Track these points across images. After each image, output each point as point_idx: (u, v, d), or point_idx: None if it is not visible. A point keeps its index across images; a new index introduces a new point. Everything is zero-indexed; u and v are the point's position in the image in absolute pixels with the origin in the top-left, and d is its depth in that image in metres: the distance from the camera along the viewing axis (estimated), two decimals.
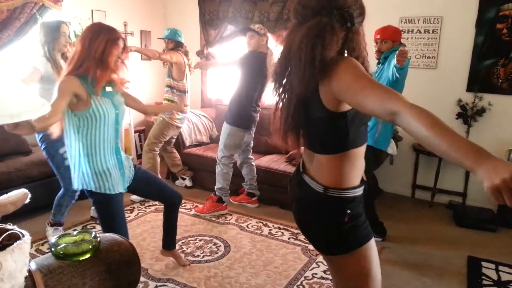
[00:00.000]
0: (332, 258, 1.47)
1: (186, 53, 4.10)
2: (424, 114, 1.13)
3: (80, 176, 2.11)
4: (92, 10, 4.57)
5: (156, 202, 3.84)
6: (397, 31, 3.17)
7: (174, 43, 4.05)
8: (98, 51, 2.02)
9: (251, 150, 3.90)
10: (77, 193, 3.13)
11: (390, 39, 3.10)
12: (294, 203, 1.55)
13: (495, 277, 2.82)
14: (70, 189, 2.94)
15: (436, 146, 1.05)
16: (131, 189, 2.34)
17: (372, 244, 1.43)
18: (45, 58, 2.95)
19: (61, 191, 3.09)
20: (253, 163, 3.91)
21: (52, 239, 1.53)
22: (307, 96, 1.32)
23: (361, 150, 1.39)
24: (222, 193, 3.72)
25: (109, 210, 2.17)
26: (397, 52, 2.68)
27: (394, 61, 2.74)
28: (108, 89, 2.13)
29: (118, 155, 2.20)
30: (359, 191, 1.39)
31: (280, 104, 1.44)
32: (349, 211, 1.36)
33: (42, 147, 2.96)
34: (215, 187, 3.75)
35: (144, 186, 2.41)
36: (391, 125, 3.00)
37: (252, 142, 3.85)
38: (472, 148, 0.99)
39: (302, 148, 1.49)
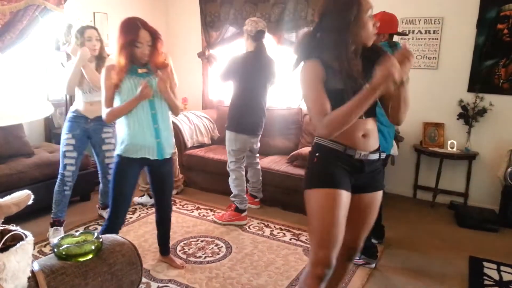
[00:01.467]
0: (304, 193, 1.80)
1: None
2: (330, 128, 1.63)
3: (121, 142, 2.41)
4: (94, 13, 4.60)
5: None
6: (381, 21, 2.36)
7: None
8: (118, 49, 2.29)
9: (257, 155, 3.83)
10: (66, 179, 3.14)
11: (381, 31, 2.72)
12: None
13: (497, 277, 2.82)
14: (60, 172, 3.17)
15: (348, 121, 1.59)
16: (153, 170, 2.54)
17: (325, 194, 1.69)
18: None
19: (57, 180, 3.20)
20: (258, 167, 3.88)
21: (55, 240, 1.55)
22: None
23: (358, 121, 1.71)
24: (237, 200, 3.60)
25: (122, 171, 2.40)
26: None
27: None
28: (141, 70, 2.37)
29: (155, 124, 2.39)
30: (332, 145, 1.72)
31: None
32: (317, 154, 1.76)
33: (63, 126, 3.26)
34: (231, 196, 3.66)
35: (162, 178, 2.57)
36: (393, 128, 2.94)
37: (257, 147, 3.75)
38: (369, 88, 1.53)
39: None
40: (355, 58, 1.67)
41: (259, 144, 3.75)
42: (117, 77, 2.30)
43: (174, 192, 4.29)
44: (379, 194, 1.86)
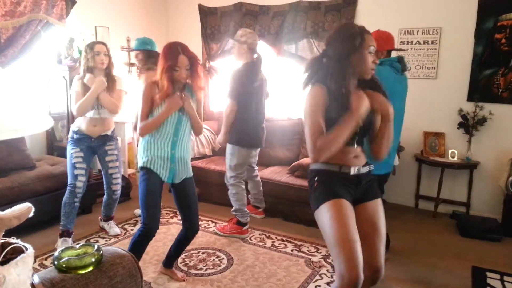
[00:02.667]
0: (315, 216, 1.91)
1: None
2: (318, 151, 1.80)
3: (140, 156, 2.54)
4: (95, 27, 4.65)
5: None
6: (377, 39, 2.39)
7: (144, 54, 3.61)
8: (159, 72, 2.41)
9: (255, 168, 3.81)
10: (76, 189, 3.18)
11: (379, 49, 2.60)
12: None
13: (500, 287, 2.80)
14: (69, 184, 3.20)
15: (337, 143, 1.77)
16: (174, 188, 2.61)
17: (332, 205, 1.80)
18: (81, 73, 3.26)
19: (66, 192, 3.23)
20: (258, 179, 3.86)
21: (55, 252, 1.55)
22: None
23: (347, 149, 1.88)
24: (238, 214, 3.57)
25: (147, 179, 2.49)
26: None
27: None
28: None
29: (173, 150, 2.50)
30: (328, 166, 1.88)
31: None
32: (316, 178, 1.90)
33: (68, 143, 3.33)
34: (231, 210, 3.64)
35: (183, 195, 2.62)
36: (396, 142, 2.93)
37: (256, 159, 3.73)
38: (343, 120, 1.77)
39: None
40: (349, 88, 1.82)
41: (257, 157, 3.75)
42: (159, 98, 2.43)
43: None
44: (379, 202, 1.96)
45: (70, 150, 3.24)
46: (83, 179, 3.22)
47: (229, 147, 3.52)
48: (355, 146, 1.90)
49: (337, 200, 1.81)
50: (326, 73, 1.85)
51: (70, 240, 3.21)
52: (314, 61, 1.94)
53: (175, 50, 2.40)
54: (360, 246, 1.75)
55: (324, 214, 1.81)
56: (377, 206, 1.94)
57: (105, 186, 3.46)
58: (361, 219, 1.86)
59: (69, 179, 3.22)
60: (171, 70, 2.38)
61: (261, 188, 3.89)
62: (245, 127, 3.43)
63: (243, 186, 3.63)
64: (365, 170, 1.92)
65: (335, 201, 1.81)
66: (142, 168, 2.53)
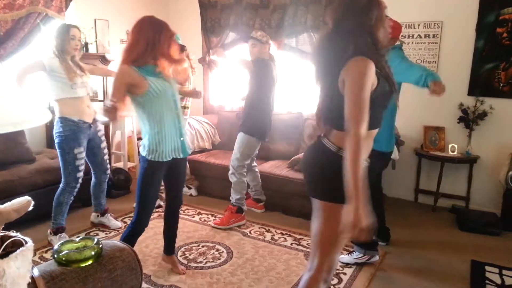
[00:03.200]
0: (327, 205, 1.69)
1: (187, 55, 3.92)
2: (352, 147, 1.49)
3: (145, 145, 2.40)
4: (95, 19, 4.62)
5: (159, 210, 3.84)
6: (398, 26, 2.90)
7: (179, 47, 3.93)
8: (165, 47, 2.30)
9: (255, 158, 3.89)
10: (76, 189, 3.18)
11: (394, 36, 2.83)
12: (306, 161, 1.84)
13: (498, 281, 2.81)
14: (70, 185, 3.13)
15: (345, 170, 1.51)
16: (171, 165, 2.51)
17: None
18: (53, 54, 3.08)
19: (60, 188, 3.16)
20: (256, 170, 3.91)
21: (55, 246, 1.55)
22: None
23: (370, 132, 1.63)
24: (241, 203, 3.64)
25: (150, 175, 2.41)
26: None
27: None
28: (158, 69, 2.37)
29: (179, 123, 2.47)
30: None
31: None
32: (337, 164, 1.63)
33: (56, 140, 3.10)
34: (233, 198, 3.65)
35: (178, 172, 2.60)
36: (391, 126, 2.96)
37: (257, 152, 3.81)
38: (353, 187, 1.47)
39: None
40: (384, 60, 1.65)
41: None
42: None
43: (194, 193, 4.41)
44: None
45: (72, 148, 3.07)
46: (81, 180, 3.21)
47: (241, 136, 3.61)
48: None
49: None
50: (360, 48, 1.55)
51: (64, 234, 3.21)
52: (325, 42, 1.66)
53: (163, 21, 2.40)
54: None
55: (344, 215, 1.51)
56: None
57: (97, 172, 3.43)
58: None
59: (70, 180, 3.11)
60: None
61: (260, 181, 3.93)
62: (261, 118, 3.58)
63: (246, 176, 3.73)
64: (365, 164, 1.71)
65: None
66: (148, 161, 2.40)
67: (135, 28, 2.32)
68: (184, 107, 3.98)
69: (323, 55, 1.67)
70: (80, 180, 3.18)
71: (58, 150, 3.11)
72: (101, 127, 3.39)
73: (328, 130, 1.72)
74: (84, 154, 3.17)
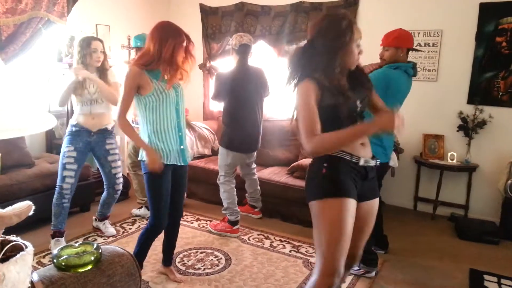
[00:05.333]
0: (312, 204, 1.83)
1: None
2: (321, 148, 1.73)
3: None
4: (96, 25, 4.65)
5: None
6: (400, 36, 2.82)
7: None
8: (167, 54, 2.30)
9: (253, 166, 3.82)
10: (65, 191, 3.12)
11: (392, 45, 2.80)
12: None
13: None
14: (58, 184, 3.15)
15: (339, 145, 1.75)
16: (173, 173, 2.53)
17: (339, 204, 1.75)
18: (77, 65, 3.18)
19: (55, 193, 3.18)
20: (255, 177, 3.87)
21: (54, 250, 1.55)
22: None
23: None
24: (228, 213, 3.59)
25: (156, 177, 2.42)
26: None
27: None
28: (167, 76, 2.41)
29: (179, 132, 2.48)
30: (339, 154, 1.79)
31: None
32: (325, 165, 1.80)
33: (64, 138, 3.26)
34: (222, 209, 3.66)
35: (178, 183, 2.59)
36: (392, 137, 2.96)
37: (252, 160, 3.76)
38: (354, 132, 1.71)
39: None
40: (342, 78, 1.79)
41: (255, 156, 3.76)
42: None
43: (137, 212, 4.10)
44: (376, 202, 1.97)
45: (64, 147, 3.17)
46: (71, 181, 3.14)
47: (220, 148, 3.59)
48: None
49: (345, 200, 1.75)
50: (313, 67, 1.78)
51: (62, 239, 3.18)
52: (300, 54, 1.85)
53: (178, 27, 2.39)
54: (349, 243, 1.78)
55: (327, 211, 1.76)
56: (376, 205, 1.96)
57: (106, 185, 3.41)
58: (359, 216, 1.85)
59: (59, 179, 3.15)
60: (181, 47, 2.35)
61: (258, 187, 3.90)
62: (235, 132, 3.47)
63: (233, 185, 3.66)
64: (372, 163, 1.87)
65: (343, 200, 1.75)
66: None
67: (149, 33, 2.39)
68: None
69: (294, 66, 1.86)
70: (67, 181, 3.11)
71: None
72: (113, 141, 3.34)
73: None
74: (73, 154, 3.13)
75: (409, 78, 2.86)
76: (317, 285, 1.79)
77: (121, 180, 3.43)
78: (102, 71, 3.23)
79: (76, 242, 1.65)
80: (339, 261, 1.76)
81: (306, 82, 1.77)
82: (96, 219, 3.57)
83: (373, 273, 2.89)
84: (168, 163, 2.44)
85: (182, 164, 2.52)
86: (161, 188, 2.46)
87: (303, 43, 1.92)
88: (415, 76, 2.92)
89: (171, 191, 2.59)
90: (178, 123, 2.47)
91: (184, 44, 2.37)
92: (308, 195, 1.86)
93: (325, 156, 1.79)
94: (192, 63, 2.48)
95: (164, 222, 2.55)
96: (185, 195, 2.82)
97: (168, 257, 2.84)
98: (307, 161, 3.87)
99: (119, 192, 3.45)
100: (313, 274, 1.84)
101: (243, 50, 3.40)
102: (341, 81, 1.78)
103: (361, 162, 1.81)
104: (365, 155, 1.83)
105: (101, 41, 3.25)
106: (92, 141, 3.23)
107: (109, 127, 3.32)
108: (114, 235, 3.49)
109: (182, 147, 2.50)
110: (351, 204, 1.77)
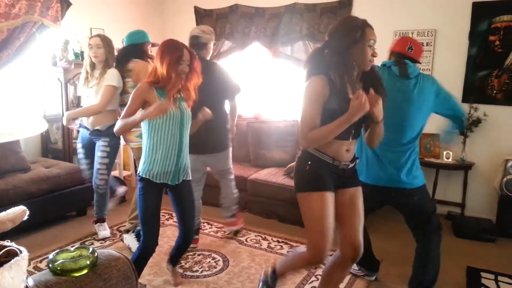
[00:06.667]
0: (297, 196, 2.10)
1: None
2: (311, 143, 1.99)
3: (143, 163, 2.40)
4: (91, 29, 4.64)
5: None
6: (399, 40, 2.68)
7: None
8: (164, 72, 2.30)
9: (230, 177, 3.49)
10: (89, 181, 3.58)
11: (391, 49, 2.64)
12: None
13: (494, 287, 2.81)
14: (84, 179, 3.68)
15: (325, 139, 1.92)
16: (171, 190, 2.50)
17: (318, 197, 1.99)
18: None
19: None
20: (228, 184, 3.50)
21: (50, 255, 1.54)
22: None
23: (341, 142, 1.99)
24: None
25: (146, 192, 2.39)
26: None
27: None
28: (176, 95, 2.41)
29: (180, 152, 2.42)
30: (323, 156, 2.00)
31: None
32: (309, 162, 2.01)
33: None
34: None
35: (180, 198, 2.52)
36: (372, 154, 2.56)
37: (225, 167, 3.41)
38: (338, 122, 1.86)
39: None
40: (353, 79, 1.92)
41: (228, 163, 3.42)
42: (170, 93, 2.33)
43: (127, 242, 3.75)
44: (359, 189, 2.14)
45: (77, 143, 3.53)
46: (86, 173, 3.54)
47: None
48: (350, 139, 2.01)
49: (324, 193, 1.99)
50: (328, 65, 1.90)
51: (105, 224, 3.53)
52: (316, 53, 1.99)
53: (178, 43, 2.36)
54: (331, 227, 2.00)
55: (309, 202, 2.03)
56: (357, 192, 2.12)
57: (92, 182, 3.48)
58: (342, 203, 2.07)
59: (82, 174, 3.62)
60: (178, 63, 2.30)
61: (234, 196, 3.55)
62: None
63: (199, 198, 3.38)
64: (351, 165, 2.08)
65: (322, 194, 1.99)
66: (142, 179, 2.39)
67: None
68: None
69: (310, 65, 1.99)
70: (85, 174, 3.57)
71: None
72: (105, 143, 3.31)
73: None
74: (81, 151, 3.49)
75: (402, 80, 2.49)
76: (304, 258, 2.12)
77: (102, 177, 3.37)
78: (104, 68, 3.24)
79: (72, 246, 1.65)
80: (324, 243, 1.99)
81: (318, 77, 1.90)
82: (93, 222, 3.55)
83: (373, 278, 2.88)
84: (157, 182, 2.38)
85: (170, 184, 2.42)
86: (148, 207, 2.39)
87: (318, 45, 2.06)
88: (405, 77, 2.50)
89: (177, 210, 2.54)
90: (180, 144, 2.40)
91: (184, 59, 2.32)
92: (295, 186, 2.13)
93: (311, 155, 2.02)
94: (195, 80, 2.42)
95: (154, 243, 2.44)
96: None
97: (175, 259, 2.79)
98: None
99: (100, 187, 3.40)
100: (306, 250, 2.13)
101: (192, 43, 3.18)
102: (350, 81, 1.90)
103: (341, 166, 2.02)
104: (347, 160, 2.04)
105: (99, 36, 3.35)
106: (92, 138, 3.38)
107: (101, 128, 3.31)
108: (106, 238, 3.47)
109: (176, 167, 2.41)
110: (328, 196, 2.00)
